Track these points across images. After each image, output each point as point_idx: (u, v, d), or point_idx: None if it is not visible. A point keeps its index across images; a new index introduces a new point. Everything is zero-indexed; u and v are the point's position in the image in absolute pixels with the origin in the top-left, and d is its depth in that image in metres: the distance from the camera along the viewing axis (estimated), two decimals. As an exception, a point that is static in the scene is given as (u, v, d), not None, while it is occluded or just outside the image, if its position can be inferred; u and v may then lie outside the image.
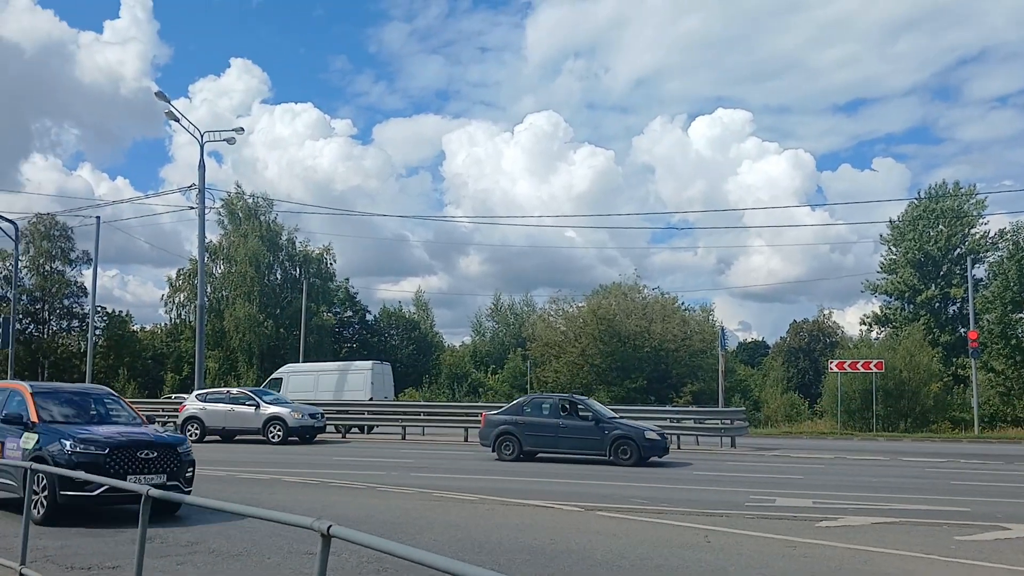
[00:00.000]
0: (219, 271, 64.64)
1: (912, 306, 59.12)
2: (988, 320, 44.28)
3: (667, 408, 32.37)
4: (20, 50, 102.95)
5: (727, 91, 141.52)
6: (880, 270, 62.06)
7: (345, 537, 3.50)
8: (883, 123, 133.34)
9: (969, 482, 16.80)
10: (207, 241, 43.74)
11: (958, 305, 56.67)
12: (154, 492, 4.89)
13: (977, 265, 47.11)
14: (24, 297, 58.50)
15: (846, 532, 10.56)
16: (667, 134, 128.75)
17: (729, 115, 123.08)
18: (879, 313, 62.36)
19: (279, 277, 66.59)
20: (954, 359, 53.28)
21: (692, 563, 8.63)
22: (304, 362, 54.91)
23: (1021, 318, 44.53)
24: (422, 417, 31.30)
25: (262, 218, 64.85)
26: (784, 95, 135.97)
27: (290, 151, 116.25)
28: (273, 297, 64.27)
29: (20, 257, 48.85)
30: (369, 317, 76.52)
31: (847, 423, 41.27)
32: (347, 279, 74.82)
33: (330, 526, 3.53)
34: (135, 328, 68.95)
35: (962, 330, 53.76)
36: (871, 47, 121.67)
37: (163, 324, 70.60)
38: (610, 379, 49.61)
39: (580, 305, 55.00)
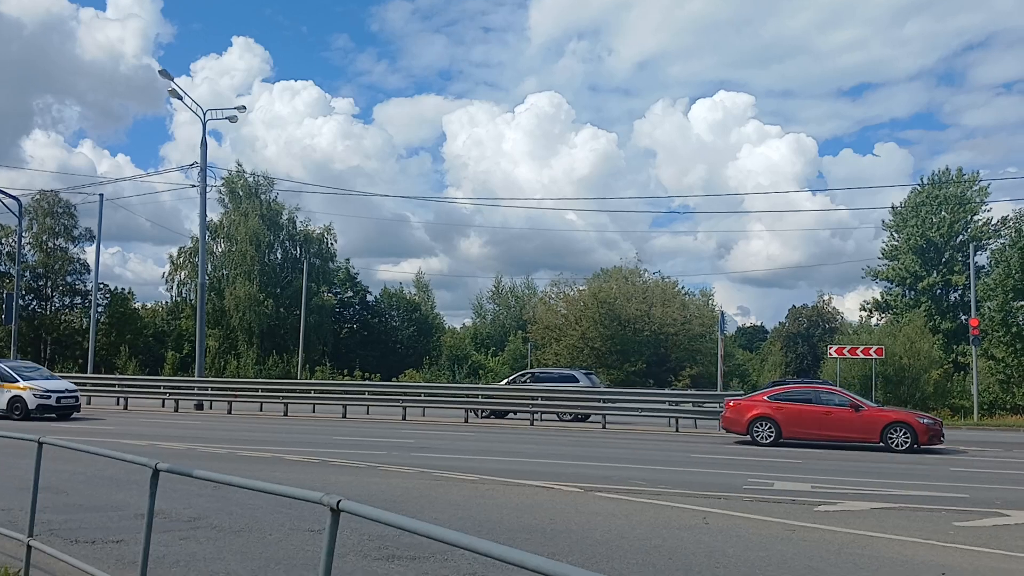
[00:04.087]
0: (219, 250, 64.65)
1: (913, 293, 59.19)
2: (989, 308, 44.36)
3: (666, 392, 32.44)
4: (21, 25, 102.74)
5: (731, 74, 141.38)
6: (881, 256, 62.13)
7: (354, 512, 3.54)
8: (888, 108, 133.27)
9: (968, 469, 16.88)
10: (207, 220, 43.66)
11: (959, 292, 56.75)
12: (162, 466, 4.94)
13: (979, 252, 47.11)
14: (27, 274, 58.54)
15: (845, 517, 10.63)
16: (668, 118, 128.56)
17: (731, 98, 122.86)
18: (880, 299, 62.44)
19: (279, 256, 66.61)
20: (955, 346, 53.40)
21: (691, 544, 8.70)
22: (305, 344, 55.04)
23: (1022, 306, 44.58)
24: (423, 398, 31.37)
25: (263, 197, 64.83)
26: (788, 79, 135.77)
27: (289, 130, 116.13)
28: (273, 276, 64.29)
29: (23, 234, 48.84)
30: (370, 298, 76.53)
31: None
32: (347, 259, 74.84)
33: (339, 500, 3.57)
34: (136, 306, 68.98)
35: (963, 317, 53.90)
36: (878, 31, 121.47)
37: (164, 302, 70.75)
38: (610, 362, 49.75)
39: (581, 288, 55.08)
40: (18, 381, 25.46)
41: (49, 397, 25.50)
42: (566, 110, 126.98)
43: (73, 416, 26.32)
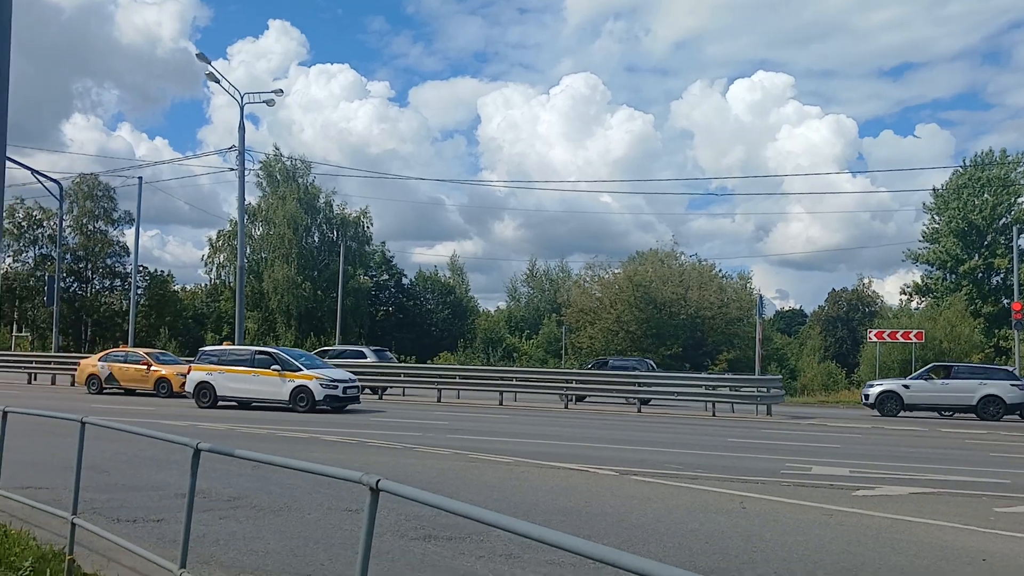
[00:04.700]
0: (258, 233, 65.29)
1: (954, 276, 58.24)
2: (1033, 291, 43.38)
3: (702, 375, 32.28)
4: (60, 10, 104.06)
5: (770, 54, 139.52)
6: (922, 239, 61.17)
7: (393, 491, 3.55)
8: (930, 88, 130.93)
9: (1009, 454, 16.60)
10: (246, 203, 44.04)
11: (1002, 276, 55.75)
12: (203, 446, 4.99)
13: (1023, 235, 46.14)
14: (68, 256, 59.53)
15: (883, 501, 10.50)
16: (706, 98, 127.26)
17: (770, 79, 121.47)
18: (920, 283, 61.54)
19: (316, 240, 67.11)
20: (996, 330, 52.51)
21: (728, 528, 8.65)
22: (342, 326, 55.46)
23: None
24: (457, 380, 31.53)
25: (300, 180, 65.33)
26: (828, 59, 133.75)
27: (325, 113, 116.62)
28: (311, 259, 64.84)
29: (64, 216, 49.62)
30: (405, 281, 76.91)
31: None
32: (383, 243, 75.21)
33: (379, 480, 3.58)
34: (176, 288, 69.93)
35: (1005, 301, 52.89)
36: (920, 10, 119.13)
37: (203, 284, 71.63)
38: (645, 346, 49.57)
39: (616, 271, 54.87)
40: (302, 370, 23.35)
41: (336, 387, 23.24)
42: (602, 91, 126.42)
43: (348, 408, 23.87)
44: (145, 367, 28.79)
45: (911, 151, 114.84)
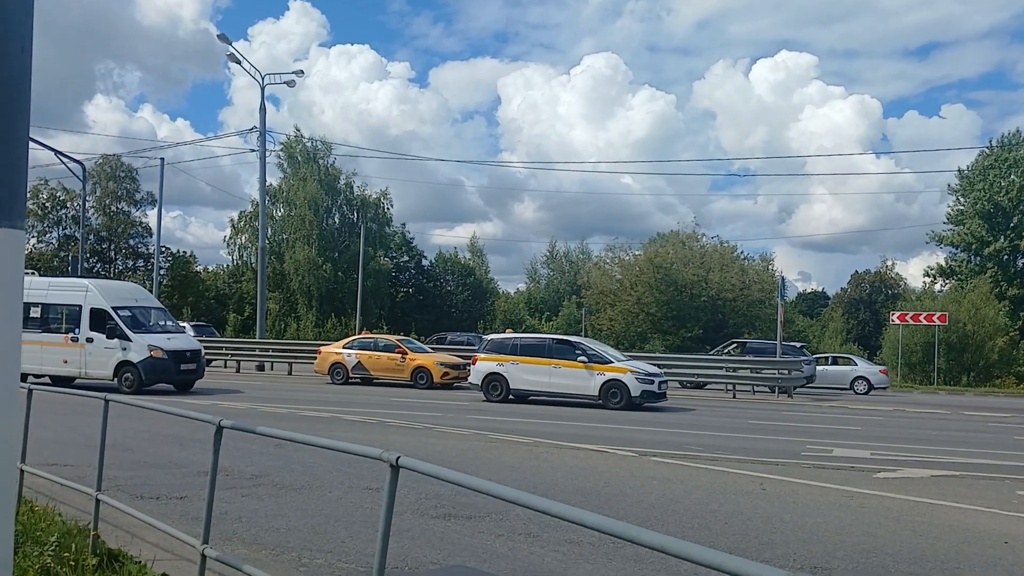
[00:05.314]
0: (279, 214, 65.53)
1: (979, 258, 57.53)
2: (1059, 273, 42.97)
3: (723, 358, 32.17)
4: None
5: (793, 34, 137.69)
6: (946, 221, 60.40)
7: (413, 468, 3.58)
8: (956, 68, 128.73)
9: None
10: (267, 184, 44.22)
11: (1028, 258, 55.11)
12: (226, 423, 5.03)
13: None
14: (91, 236, 60.04)
15: (904, 484, 10.46)
16: (729, 78, 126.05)
17: (793, 59, 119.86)
18: (944, 265, 60.86)
19: (337, 221, 67.29)
20: (1021, 313, 51.96)
21: (748, 510, 8.64)
22: (363, 307, 55.70)
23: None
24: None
25: (320, 162, 65.50)
26: (852, 38, 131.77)
27: (346, 94, 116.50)
28: (331, 241, 65.08)
29: (87, 197, 50.01)
30: (425, 262, 77.04)
31: (908, 376, 40.64)
32: (403, 224, 75.25)
33: (399, 457, 3.60)
34: (198, 269, 70.38)
35: (1031, 284, 52.39)
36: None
37: (225, 265, 72.04)
38: (665, 328, 49.45)
39: (636, 253, 54.65)
40: (612, 362, 20.97)
41: (651, 382, 20.64)
42: (623, 71, 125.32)
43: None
44: (400, 355, 26.46)
45: (936, 132, 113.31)
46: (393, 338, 28.44)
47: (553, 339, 22.84)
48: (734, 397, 26.42)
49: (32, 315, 21.65)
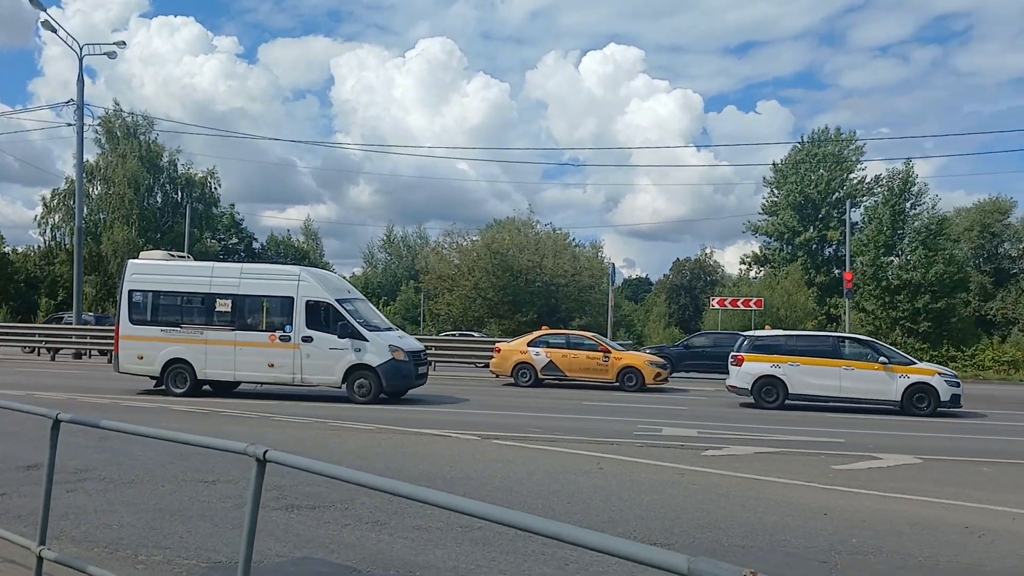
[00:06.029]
0: (96, 192, 61.62)
1: (791, 247, 61.50)
2: (861, 262, 46.43)
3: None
4: None
5: (623, 27, 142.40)
6: (761, 211, 64.23)
7: (282, 462, 3.48)
8: (772, 66, 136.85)
9: (842, 415, 17.74)
10: (84, 161, 41.58)
11: (834, 247, 59.29)
12: (64, 416, 4.75)
13: (854, 209, 49.23)
14: None
15: (731, 461, 11.07)
16: (560, 69, 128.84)
17: (621, 52, 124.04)
18: (759, 253, 64.64)
19: (160, 201, 64.18)
20: (828, 299, 55.89)
21: (588, 489, 8.92)
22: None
23: (891, 261, 46.88)
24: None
25: (141, 138, 62.23)
26: (678, 33, 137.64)
27: (168, 68, 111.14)
28: (153, 221, 61.97)
29: None
30: (256, 245, 74.73)
31: (727, 358, 42.79)
32: (232, 205, 72.71)
33: (266, 451, 3.51)
34: (6, 249, 65.43)
35: (837, 271, 56.41)
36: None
37: (36, 246, 67.32)
38: (502, 312, 50.09)
39: (474, 239, 55.02)
40: (914, 363, 19.05)
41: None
42: (458, 57, 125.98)
43: None
44: (602, 354, 23.62)
45: (753, 127, 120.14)
46: (588, 334, 25.84)
47: (839, 337, 20.63)
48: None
49: (220, 309, 18.26)
